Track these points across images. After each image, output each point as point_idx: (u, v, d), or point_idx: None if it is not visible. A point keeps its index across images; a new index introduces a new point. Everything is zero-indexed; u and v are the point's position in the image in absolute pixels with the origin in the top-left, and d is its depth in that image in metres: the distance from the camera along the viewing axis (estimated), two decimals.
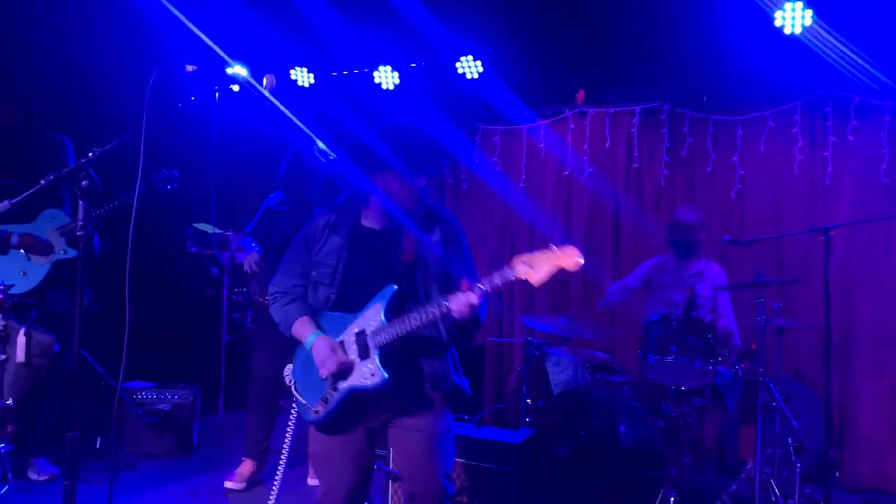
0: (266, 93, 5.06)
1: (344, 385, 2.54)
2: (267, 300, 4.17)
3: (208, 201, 5.99)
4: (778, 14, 4.21)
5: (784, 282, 4.21)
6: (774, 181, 5.11)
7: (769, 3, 4.12)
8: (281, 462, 2.48)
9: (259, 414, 4.48)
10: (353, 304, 2.61)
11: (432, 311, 2.46)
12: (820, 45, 4.17)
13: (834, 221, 4.64)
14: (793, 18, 4.16)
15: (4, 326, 3.94)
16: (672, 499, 3.77)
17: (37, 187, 2.35)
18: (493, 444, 3.64)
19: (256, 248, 4.39)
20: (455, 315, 2.44)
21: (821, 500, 4.00)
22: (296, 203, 4.39)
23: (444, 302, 2.44)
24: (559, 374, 4.65)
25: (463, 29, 5.11)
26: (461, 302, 2.41)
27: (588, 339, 4.63)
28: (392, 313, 2.53)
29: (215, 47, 5.21)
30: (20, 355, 4.01)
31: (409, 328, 2.48)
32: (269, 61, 5.64)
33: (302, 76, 5.78)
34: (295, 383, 2.66)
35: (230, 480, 4.34)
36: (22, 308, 4.16)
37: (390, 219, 2.65)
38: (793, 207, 5.04)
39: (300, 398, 2.63)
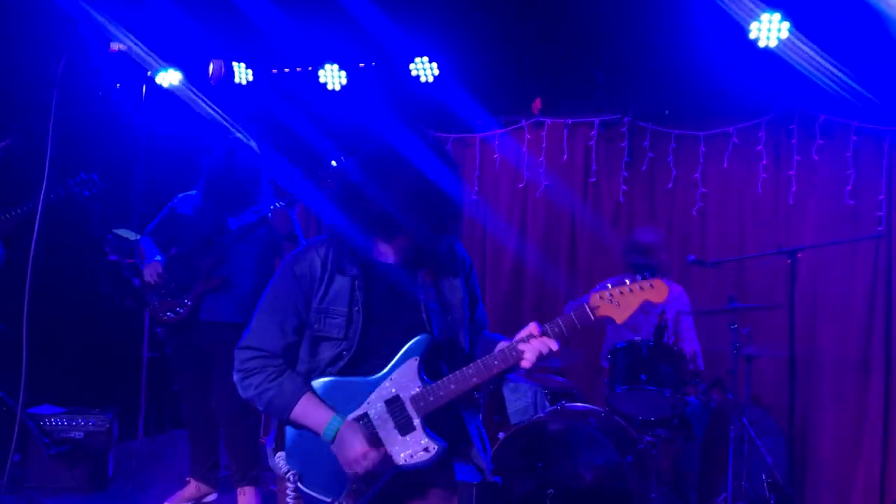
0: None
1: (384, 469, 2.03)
2: (169, 317, 3.87)
3: (130, 206, 5.49)
4: (753, 26, 4.02)
5: (760, 308, 4.02)
6: (738, 200, 4.94)
7: (744, 14, 3.92)
8: None
9: (198, 429, 4.15)
10: (370, 363, 2.06)
11: (496, 363, 2.01)
12: (797, 58, 3.99)
13: (798, 242, 4.53)
14: (769, 31, 3.96)
15: None
16: None
17: None
18: None
19: (160, 256, 4.00)
20: (524, 364, 2.01)
21: None
22: (211, 210, 3.98)
23: (514, 351, 2.01)
24: (516, 401, 4.34)
25: (416, 30, 4.76)
26: (535, 350, 1.99)
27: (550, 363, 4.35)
28: (429, 370, 2.05)
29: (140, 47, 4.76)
30: None
31: (465, 388, 2.02)
32: (203, 56, 5.20)
33: (240, 72, 5.33)
34: (300, 477, 2.04)
35: (169, 502, 4.04)
36: None
37: (411, 254, 2.12)
38: (756, 227, 4.88)
39: (314, 495, 2.03)
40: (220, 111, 5.29)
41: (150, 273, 3.95)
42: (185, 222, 4.06)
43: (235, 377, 2.09)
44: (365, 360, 2.06)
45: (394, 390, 2.02)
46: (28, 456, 4.40)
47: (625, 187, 5.16)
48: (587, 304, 2.02)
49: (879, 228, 4.50)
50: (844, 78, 3.96)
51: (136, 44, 4.73)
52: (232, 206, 3.97)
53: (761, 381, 4.70)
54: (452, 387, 2.01)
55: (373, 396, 2.03)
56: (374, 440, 2.00)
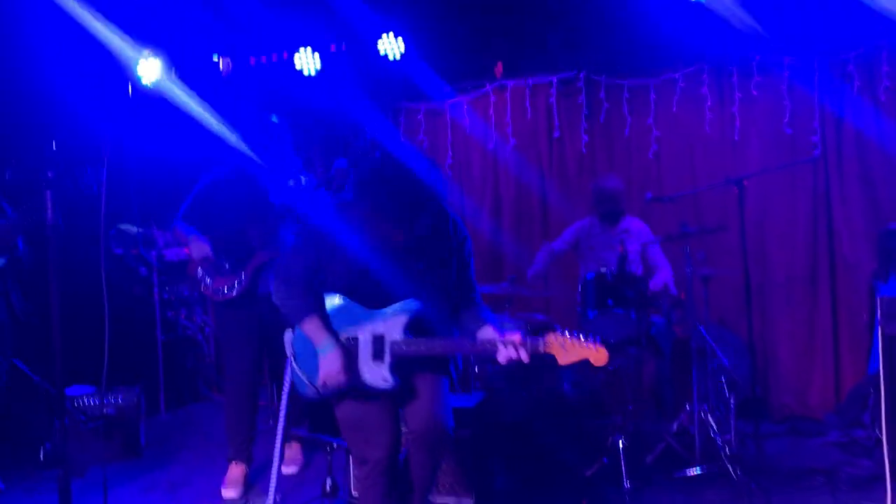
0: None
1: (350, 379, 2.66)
2: (224, 294, 3.88)
3: (128, 199, 5.82)
4: None
5: (708, 231, 4.46)
6: (688, 140, 5.39)
7: None
8: (276, 446, 2.52)
9: (239, 410, 4.11)
10: (371, 300, 2.70)
11: (468, 344, 2.67)
12: (725, 10, 4.42)
13: (745, 173, 4.96)
14: None
15: None
16: (621, 443, 3.94)
17: None
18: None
19: (199, 236, 3.93)
20: (500, 360, 2.54)
21: (751, 432, 4.32)
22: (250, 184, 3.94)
23: (491, 346, 2.57)
24: None
25: (382, 7, 5.12)
26: (509, 355, 2.53)
27: (529, 299, 4.84)
28: (415, 326, 2.66)
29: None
30: None
31: (435, 353, 2.66)
32: (187, 48, 5.49)
33: (221, 63, 5.66)
34: (295, 355, 2.70)
35: (225, 488, 4.01)
36: None
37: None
38: (707, 163, 5.33)
39: (298, 372, 2.67)
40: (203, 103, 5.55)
41: (198, 250, 3.89)
42: (220, 201, 3.97)
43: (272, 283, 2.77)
44: (365, 295, 2.70)
45: (381, 330, 2.65)
46: (67, 433, 4.76)
47: (586, 138, 5.57)
48: (543, 339, 2.54)
49: (815, 152, 4.97)
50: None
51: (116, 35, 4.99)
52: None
53: (722, 304, 5.17)
54: (423, 349, 2.63)
55: (367, 326, 2.68)
56: (352, 364, 2.63)
